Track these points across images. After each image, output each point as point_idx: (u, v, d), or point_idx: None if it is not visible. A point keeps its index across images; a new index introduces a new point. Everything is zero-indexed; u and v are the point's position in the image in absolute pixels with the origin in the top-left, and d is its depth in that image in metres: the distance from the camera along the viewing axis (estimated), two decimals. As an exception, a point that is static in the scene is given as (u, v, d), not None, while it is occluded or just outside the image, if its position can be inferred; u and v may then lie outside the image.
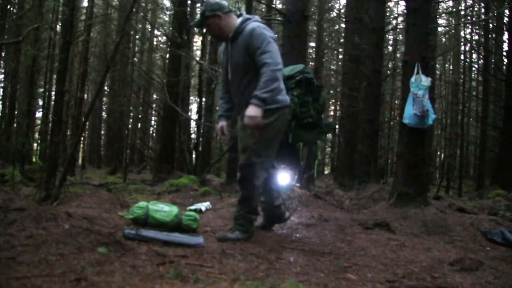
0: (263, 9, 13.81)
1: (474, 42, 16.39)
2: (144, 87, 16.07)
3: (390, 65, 15.34)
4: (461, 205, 4.72)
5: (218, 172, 12.42)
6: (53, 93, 12.85)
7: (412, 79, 4.19)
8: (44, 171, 4.33)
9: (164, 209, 2.73)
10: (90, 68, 16.74)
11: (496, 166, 11.53)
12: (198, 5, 11.06)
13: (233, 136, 5.35)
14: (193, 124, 12.63)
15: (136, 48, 20.95)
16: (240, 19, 2.76)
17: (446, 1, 14.24)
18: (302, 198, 4.34)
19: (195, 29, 12.88)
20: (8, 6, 10.18)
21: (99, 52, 16.58)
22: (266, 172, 2.80)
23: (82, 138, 17.74)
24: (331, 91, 19.34)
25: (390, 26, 13.81)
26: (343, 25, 16.29)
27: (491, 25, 13.43)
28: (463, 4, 15.91)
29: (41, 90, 13.94)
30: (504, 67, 12.31)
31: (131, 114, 15.57)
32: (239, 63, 2.73)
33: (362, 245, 2.81)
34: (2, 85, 13.76)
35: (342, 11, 18.03)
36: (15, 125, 11.74)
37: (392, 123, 16.26)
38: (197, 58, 12.94)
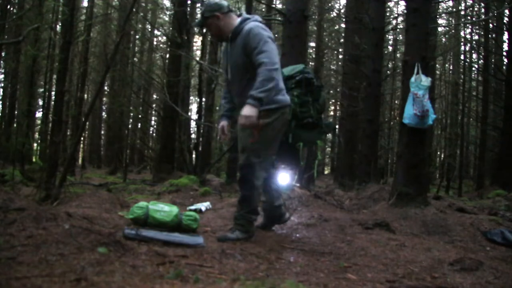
0: (263, 9, 13.81)
1: (474, 42, 16.39)
2: (144, 87, 16.07)
3: (390, 65, 15.34)
4: (461, 205, 4.72)
5: (218, 172, 12.42)
6: (53, 93, 12.85)
7: (412, 79, 4.19)
8: (44, 171, 4.33)
9: (164, 209, 2.73)
10: (90, 68, 16.75)
11: (496, 166, 11.53)
12: (198, 5, 11.07)
13: (233, 136, 5.35)
14: (193, 124, 12.63)
15: (136, 48, 20.96)
16: (239, 19, 2.77)
17: (446, 1, 14.25)
18: (302, 198, 4.34)
19: (195, 29, 12.88)
20: (8, 6, 10.18)
21: (99, 52, 16.58)
22: (265, 172, 2.80)
23: (82, 138, 17.74)
24: (331, 91, 19.34)
25: (390, 26, 13.81)
26: (343, 25, 16.30)
27: (491, 25, 13.43)
28: (463, 4, 15.91)
29: (41, 90, 13.94)
30: (504, 67, 12.31)
31: (131, 114, 15.57)
32: (238, 63, 2.74)
33: (362, 245, 2.81)
34: (2, 85, 13.78)
35: (342, 11, 18.03)
36: (15, 125, 11.74)
37: (392, 123, 16.26)
38: (197, 58, 12.95)
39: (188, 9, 10.97)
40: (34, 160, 9.89)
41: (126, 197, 5.14)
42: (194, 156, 9.46)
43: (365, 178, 7.93)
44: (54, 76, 12.46)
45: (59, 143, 5.00)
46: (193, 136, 12.55)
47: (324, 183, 13.90)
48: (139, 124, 19.53)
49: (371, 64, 8.45)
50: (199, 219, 2.87)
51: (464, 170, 15.93)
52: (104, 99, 20.58)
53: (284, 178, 3.17)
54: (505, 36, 12.89)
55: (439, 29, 15.98)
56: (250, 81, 2.68)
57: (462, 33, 17.00)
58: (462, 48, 16.76)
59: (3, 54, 10.63)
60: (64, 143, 8.30)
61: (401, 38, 16.87)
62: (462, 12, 15.19)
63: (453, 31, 17.29)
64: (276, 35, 14.99)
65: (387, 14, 14.77)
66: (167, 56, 13.40)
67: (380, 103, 10.03)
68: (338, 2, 21.25)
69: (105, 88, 18.68)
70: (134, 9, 10.93)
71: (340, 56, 20.32)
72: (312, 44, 20.09)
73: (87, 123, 14.31)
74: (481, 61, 15.40)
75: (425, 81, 4.14)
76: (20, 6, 11.13)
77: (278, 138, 2.81)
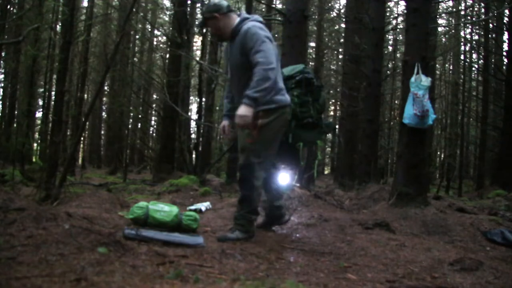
0: (263, 9, 13.81)
1: (474, 42, 16.39)
2: (144, 87, 16.07)
3: (390, 65, 15.34)
4: (461, 205, 4.72)
5: (218, 172, 12.42)
6: (53, 93, 12.85)
7: (412, 79, 4.19)
8: (44, 171, 4.33)
9: (164, 209, 2.73)
10: (90, 68, 16.75)
11: (496, 166, 11.53)
12: (198, 5, 11.07)
13: (234, 136, 5.35)
14: (193, 124, 12.64)
15: (136, 48, 20.95)
16: (238, 19, 2.78)
17: (446, 1, 14.26)
18: (302, 198, 4.34)
19: (195, 29, 12.89)
20: (8, 6, 10.18)
21: (99, 52, 16.58)
22: (265, 172, 2.80)
23: (82, 138, 17.74)
24: (331, 91, 19.34)
25: (390, 26, 13.81)
26: (343, 25, 16.30)
27: (491, 25, 13.43)
28: (463, 4, 15.91)
29: (41, 90, 13.94)
30: (504, 67, 12.31)
31: (131, 114, 15.57)
32: (237, 63, 2.75)
33: (362, 245, 2.81)
34: (2, 85, 13.78)
35: (342, 11, 18.04)
36: (15, 125, 11.74)
37: (392, 123, 16.26)
38: (197, 58, 12.95)
39: (188, 9, 10.95)
40: (34, 160, 9.89)
41: (126, 197, 5.14)
42: (194, 156, 9.46)
43: (365, 178, 7.93)
44: (54, 76, 12.46)
45: (59, 143, 5.00)
46: (193, 136, 12.55)
47: (324, 183, 13.90)
48: (139, 124, 19.53)
49: (371, 64, 8.45)
50: (199, 219, 2.87)
51: (464, 170, 15.93)
52: (104, 99, 20.58)
53: (284, 178, 3.17)
54: (505, 36, 12.90)
55: (439, 29, 15.99)
56: (248, 81, 2.68)
57: (462, 33, 17.00)
58: (462, 48, 16.76)
59: (3, 54, 10.63)
60: (64, 143, 8.30)
61: (401, 38, 16.87)
62: (462, 12, 15.19)
63: (453, 31, 17.29)
64: (276, 35, 15.00)
65: (387, 14, 14.77)
66: (167, 56, 13.40)
67: (380, 103, 10.03)
68: (338, 2, 21.27)
69: (105, 88, 18.68)
70: (134, 9, 10.93)
71: (340, 56, 20.32)
72: (312, 44, 20.10)
73: (87, 123, 14.31)
74: (481, 61, 15.40)
75: (425, 81, 4.14)
76: (20, 6, 11.13)
77: (278, 138, 2.81)
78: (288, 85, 2.97)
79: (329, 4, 19.65)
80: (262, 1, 11.00)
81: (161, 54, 18.09)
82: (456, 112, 16.26)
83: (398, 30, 15.58)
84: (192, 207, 4.11)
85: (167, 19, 18.77)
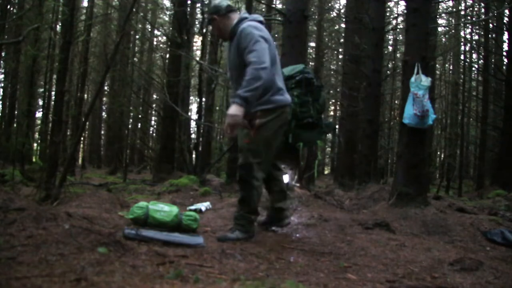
0: (263, 9, 13.80)
1: (474, 42, 16.39)
2: (144, 87, 16.08)
3: (390, 65, 15.33)
4: (461, 205, 4.72)
5: (218, 172, 12.41)
6: (53, 93, 12.85)
7: (412, 79, 4.19)
8: (44, 171, 4.33)
9: (164, 209, 2.73)
10: (90, 68, 16.75)
11: (496, 166, 11.53)
12: (198, 5, 11.06)
13: (234, 136, 5.35)
14: (193, 124, 12.63)
15: (136, 48, 20.96)
16: (236, 20, 2.79)
17: (446, 1, 14.24)
18: (302, 198, 4.34)
19: (195, 29, 12.89)
20: (8, 6, 10.18)
21: (99, 52, 16.58)
22: (264, 172, 2.80)
23: (82, 138, 17.74)
24: (331, 91, 19.33)
25: (390, 26, 13.80)
26: (343, 25, 16.29)
27: (491, 25, 13.43)
28: (463, 4, 15.91)
29: (41, 90, 13.94)
30: (504, 67, 12.30)
31: (131, 114, 15.57)
32: (235, 63, 2.76)
33: (362, 245, 2.81)
34: (2, 85, 13.77)
35: (342, 11, 18.03)
36: (15, 125, 11.74)
37: (392, 123, 16.25)
38: (197, 58, 12.94)
39: (188, 9, 10.96)
40: (34, 160, 9.89)
41: (126, 197, 5.14)
42: (194, 156, 9.46)
43: (365, 178, 7.92)
44: (54, 76, 12.46)
45: (59, 143, 5.01)
46: (193, 136, 12.55)
47: (324, 183, 13.90)
48: (139, 124, 19.53)
49: (371, 64, 8.45)
50: (199, 219, 2.87)
51: (464, 170, 15.92)
52: (104, 99, 20.58)
53: (284, 178, 3.18)
54: (505, 36, 12.90)
55: (439, 29, 15.99)
56: None
57: (462, 33, 17.00)
58: (462, 48, 16.76)
59: (3, 54, 10.63)
60: (64, 143, 8.30)
61: (401, 38, 16.87)
62: (462, 12, 15.19)
63: (453, 31, 17.28)
64: (276, 35, 15.01)
65: (387, 14, 14.76)
66: (167, 56, 13.40)
67: (380, 103, 10.02)
68: (338, 2, 21.27)
69: (105, 88, 18.68)
70: (134, 9, 10.93)
71: (340, 56, 20.32)
72: (312, 44, 20.09)
73: (87, 123, 14.31)
74: (481, 61, 15.40)
75: (425, 81, 4.14)
76: (20, 6, 11.13)
77: (278, 138, 2.81)
78: (288, 85, 2.98)
79: (329, 4, 19.65)
80: (262, 1, 10.99)
81: (161, 54, 18.09)
82: (456, 112, 16.26)
83: (398, 30, 15.58)
84: (192, 207, 4.11)
85: (167, 19, 18.77)
